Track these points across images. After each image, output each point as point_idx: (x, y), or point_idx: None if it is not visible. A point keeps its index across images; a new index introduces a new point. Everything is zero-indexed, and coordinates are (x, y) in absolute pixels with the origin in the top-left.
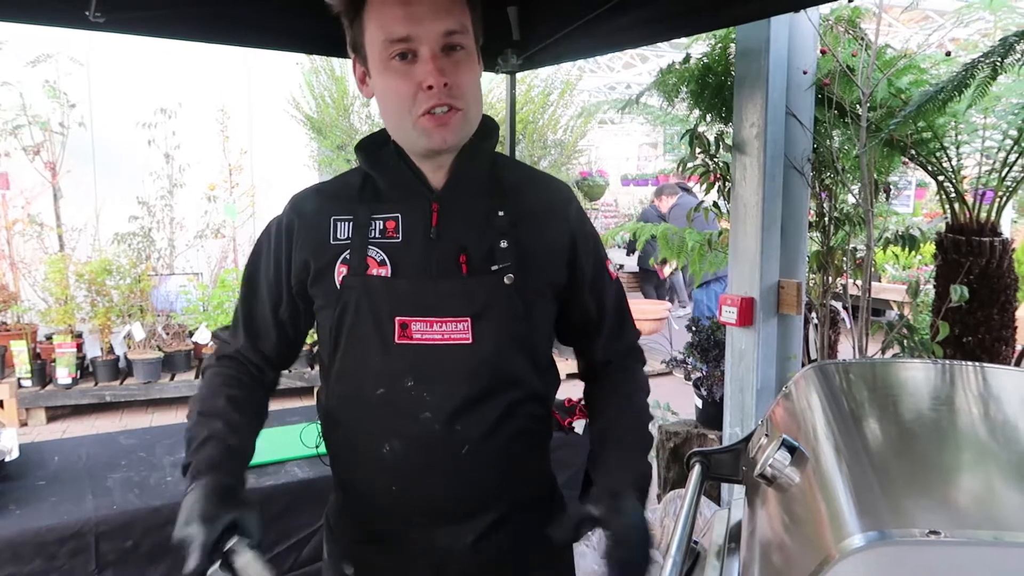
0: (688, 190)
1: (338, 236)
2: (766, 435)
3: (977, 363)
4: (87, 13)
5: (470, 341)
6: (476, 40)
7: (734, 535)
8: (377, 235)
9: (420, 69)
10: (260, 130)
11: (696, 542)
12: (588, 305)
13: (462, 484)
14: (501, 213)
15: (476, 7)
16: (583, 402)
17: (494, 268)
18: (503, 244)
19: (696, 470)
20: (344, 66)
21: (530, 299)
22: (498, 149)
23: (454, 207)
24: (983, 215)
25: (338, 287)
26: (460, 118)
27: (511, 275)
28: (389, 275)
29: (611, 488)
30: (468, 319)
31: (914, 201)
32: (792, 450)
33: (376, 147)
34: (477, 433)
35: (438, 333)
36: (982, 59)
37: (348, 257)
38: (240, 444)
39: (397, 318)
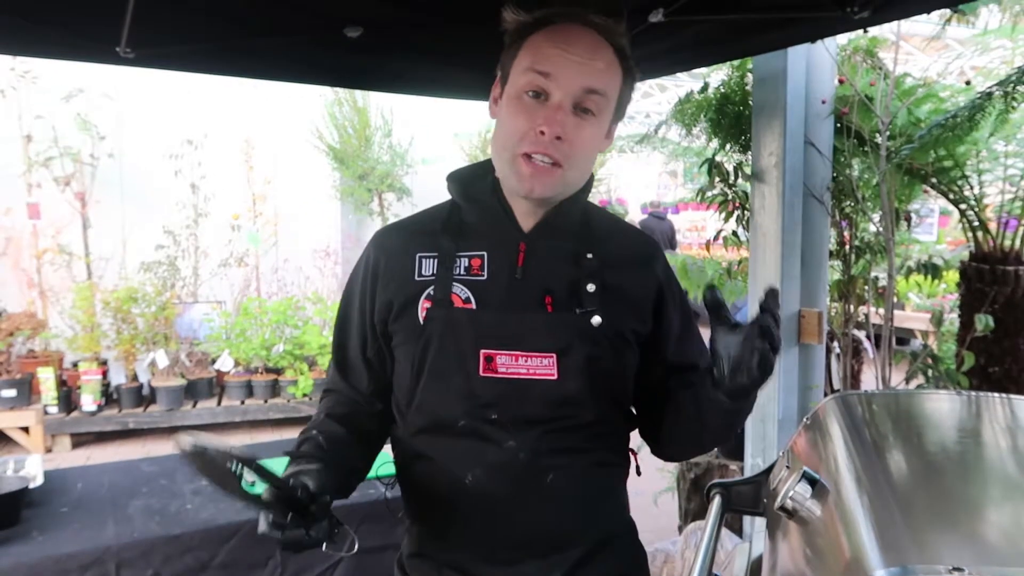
0: (662, 218)
1: (423, 273)
2: (787, 466)
3: (1004, 394)
4: (117, 49)
5: (555, 377)
6: (615, 114)
7: (755, 569)
8: (462, 272)
9: (543, 113)
10: (283, 160)
11: (716, 575)
12: (674, 360)
13: (547, 514)
14: (590, 256)
15: (629, 86)
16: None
17: (580, 311)
18: (590, 288)
19: (716, 502)
20: (366, 98)
21: (617, 343)
22: None
23: (541, 249)
24: (1007, 243)
25: (421, 322)
26: (558, 176)
27: (599, 318)
28: (474, 309)
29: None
30: (553, 355)
31: (938, 229)
32: (813, 482)
33: (471, 179)
34: (562, 461)
35: (523, 367)
36: (997, 87)
37: (432, 292)
38: (335, 454)
39: (483, 351)
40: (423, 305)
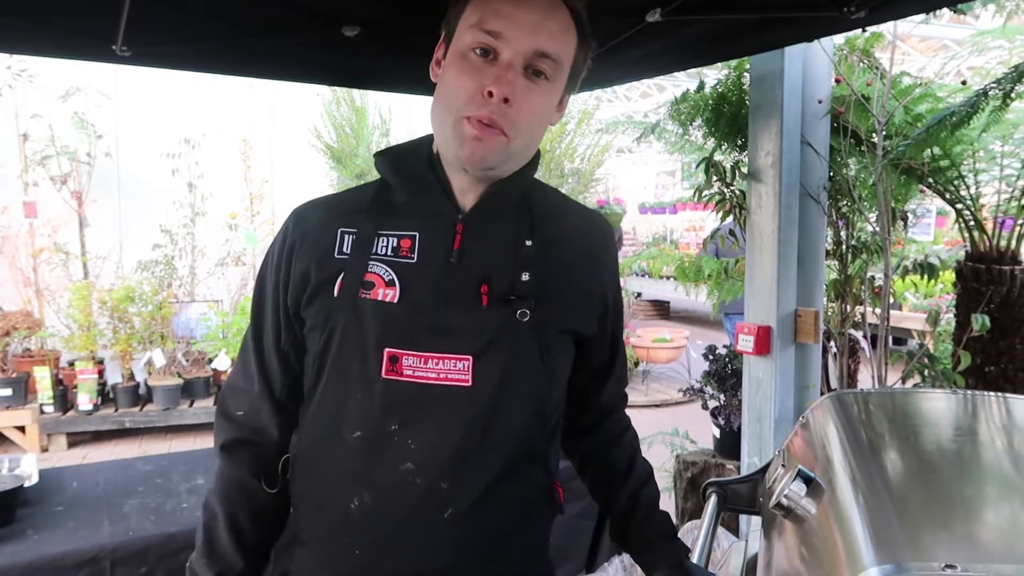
0: None
1: (343, 250)
2: (783, 465)
3: (999, 393)
4: (114, 48)
5: (469, 384)
6: (569, 83)
7: (751, 567)
8: (389, 253)
9: (491, 72)
10: (281, 160)
11: (713, 574)
12: (605, 355)
13: (440, 555)
14: (528, 243)
15: (584, 53)
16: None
17: (508, 304)
18: (525, 277)
19: (712, 501)
20: (363, 97)
21: (547, 342)
22: None
23: (481, 231)
24: (1003, 243)
25: (328, 308)
26: (501, 144)
27: (527, 311)
28: (396, 298)
29: (677, 559)
30: (469, 358)
31: (935, 229)
32: (808, 481)
33: (403, 154)
34: (465, 495)
35: (433, 371)
36: (993, 86)
37: (345, 275)
38: None
39: (386, 349)
40: (338, 287)
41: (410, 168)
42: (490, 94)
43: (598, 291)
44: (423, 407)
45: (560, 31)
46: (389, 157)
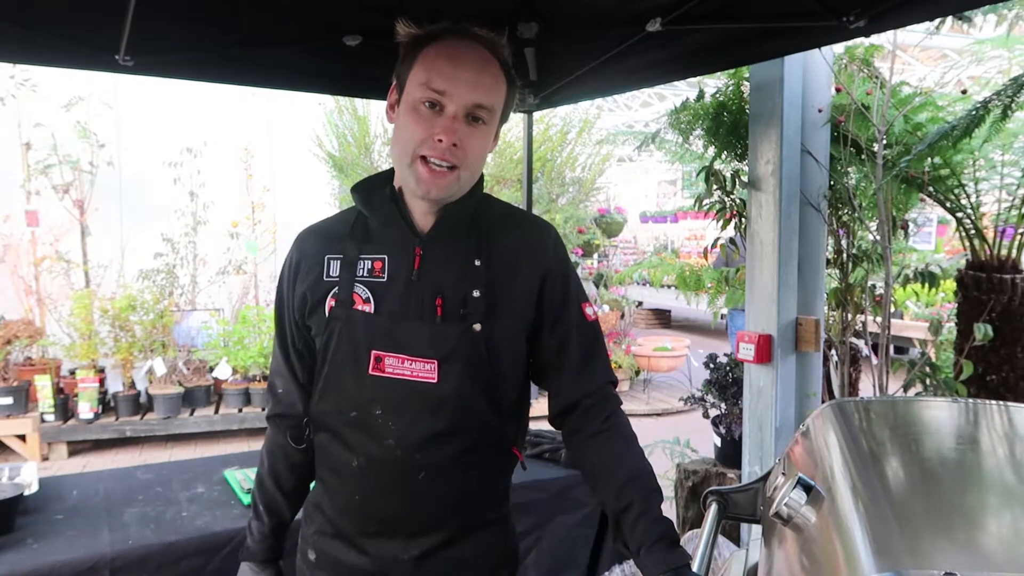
0: None
1: (330, 273)
2: (783, 473)
3: (1001, 402)
4: (116, 57)
5: (435, 380)
6: (501, 120)
7: None
8: (365, 274)
9: (440, 123)
10: (283, 168)
11: None
12: (550, 342)
13: (416, 505)
14: (477, 263)
15: (513, 94)
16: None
17: (463, 318)
18: (475, 294)
19: (712, 510)
20: (366, 106)
21: (497, 347)
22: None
23: (436, 253)
24: (1004, 252)
25: (327, 318)
26: (454, 178)
27: (479, 324)
28: (372, 312)
29: (675, 567)
30: (435, 361)
31: (936, 238)
32: (808, 489)
33: (372, 189)
34: (435, 463)
35: (408, 370)
36: (993, 97)
37: (336, 292)
38: (280, 521)
39: (373, 351)
40: (329, 304)
41: (377, 201)
42: (440, 140)
43: (536, 279)
44: (401, 397)
45: (493, 83)
46: (361, 192)
